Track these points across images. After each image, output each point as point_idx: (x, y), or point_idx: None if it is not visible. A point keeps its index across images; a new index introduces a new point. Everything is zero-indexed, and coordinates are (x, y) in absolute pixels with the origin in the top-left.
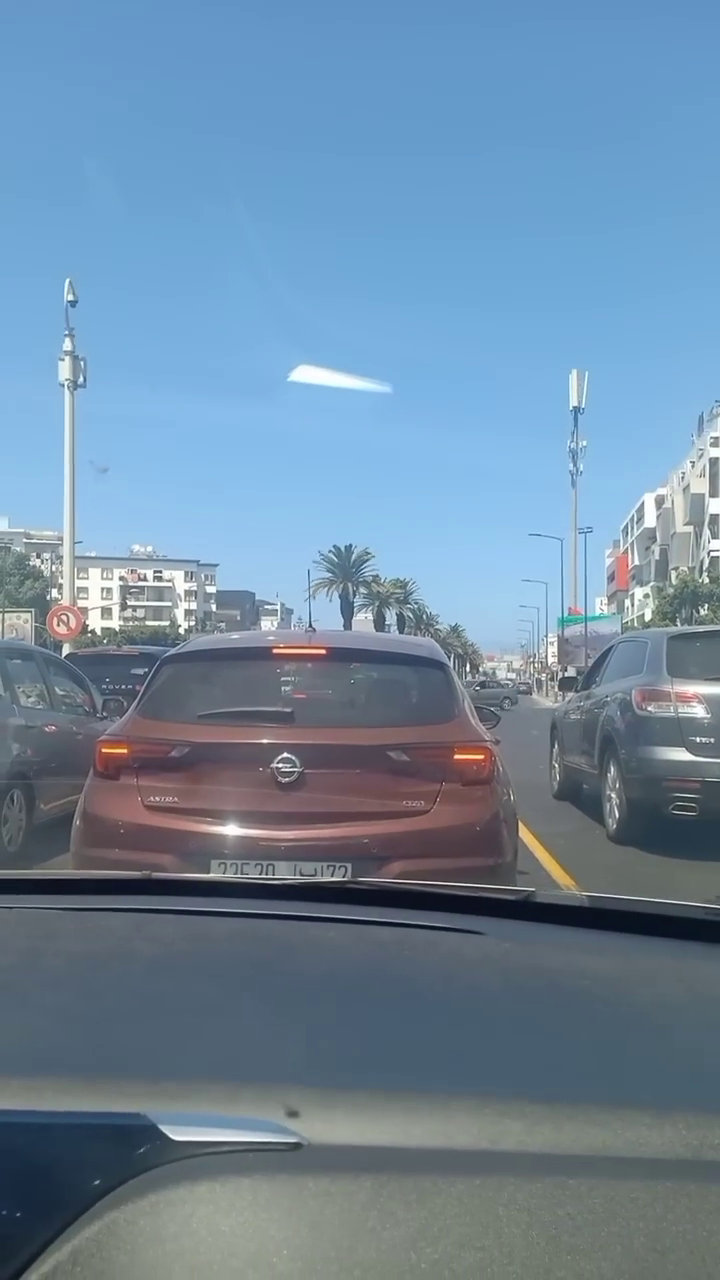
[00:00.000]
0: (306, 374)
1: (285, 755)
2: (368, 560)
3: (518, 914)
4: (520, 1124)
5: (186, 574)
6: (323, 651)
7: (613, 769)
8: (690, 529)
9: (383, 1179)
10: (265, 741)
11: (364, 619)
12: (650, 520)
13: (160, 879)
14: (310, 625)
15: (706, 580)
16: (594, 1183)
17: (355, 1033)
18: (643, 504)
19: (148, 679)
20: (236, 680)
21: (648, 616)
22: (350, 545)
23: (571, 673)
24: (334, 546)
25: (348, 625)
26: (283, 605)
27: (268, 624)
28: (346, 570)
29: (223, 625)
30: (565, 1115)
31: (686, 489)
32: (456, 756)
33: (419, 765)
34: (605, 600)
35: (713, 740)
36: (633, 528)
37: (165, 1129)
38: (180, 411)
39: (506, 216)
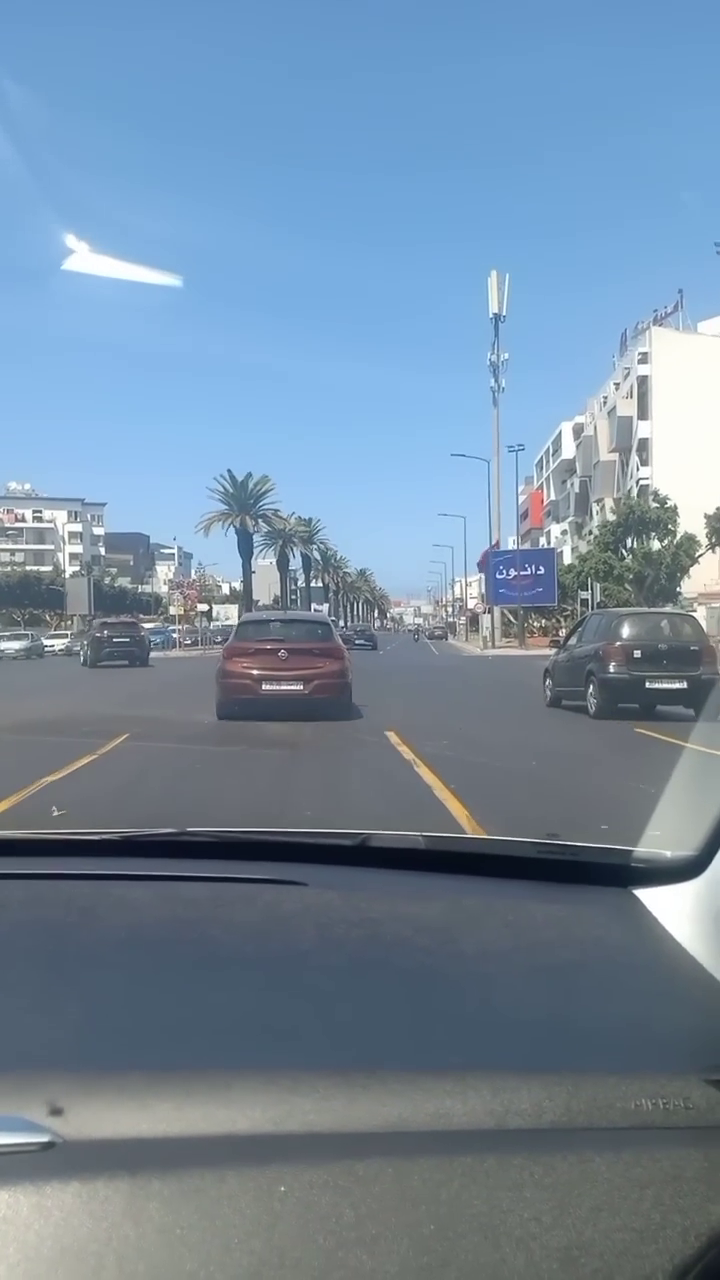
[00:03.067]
0: (85, 262)
1: (282, 650)
2: (267, 491)
3: (348, 860)
4: (309, 1101)
5: (70, 514)
6: (290, 617)
7: (592, 685)
8: (615, 456)
9: (144, 1177)
10: (274, 645)
11: (267, 564)
12: (569, 451)
13: None
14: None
15: (654, 505)
16: (384, 1164)
17: (141, 1007)
18: (559, 434)
19: (237, 625)
20: (264, 625)
21: (574, 549)
22: (248, 474)
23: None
24: (227, 473)
25: (247, 566)
26: (180, 549)
27: (163, 569)
28: (244, 502)
29: (113, 570)
30: (360, 1087)
31: (611, 412)
32: (336, 649)
33: (323, 652)
34: (519, 539)
35: (639, 667)
36: (548, 461)
37: None
38: None
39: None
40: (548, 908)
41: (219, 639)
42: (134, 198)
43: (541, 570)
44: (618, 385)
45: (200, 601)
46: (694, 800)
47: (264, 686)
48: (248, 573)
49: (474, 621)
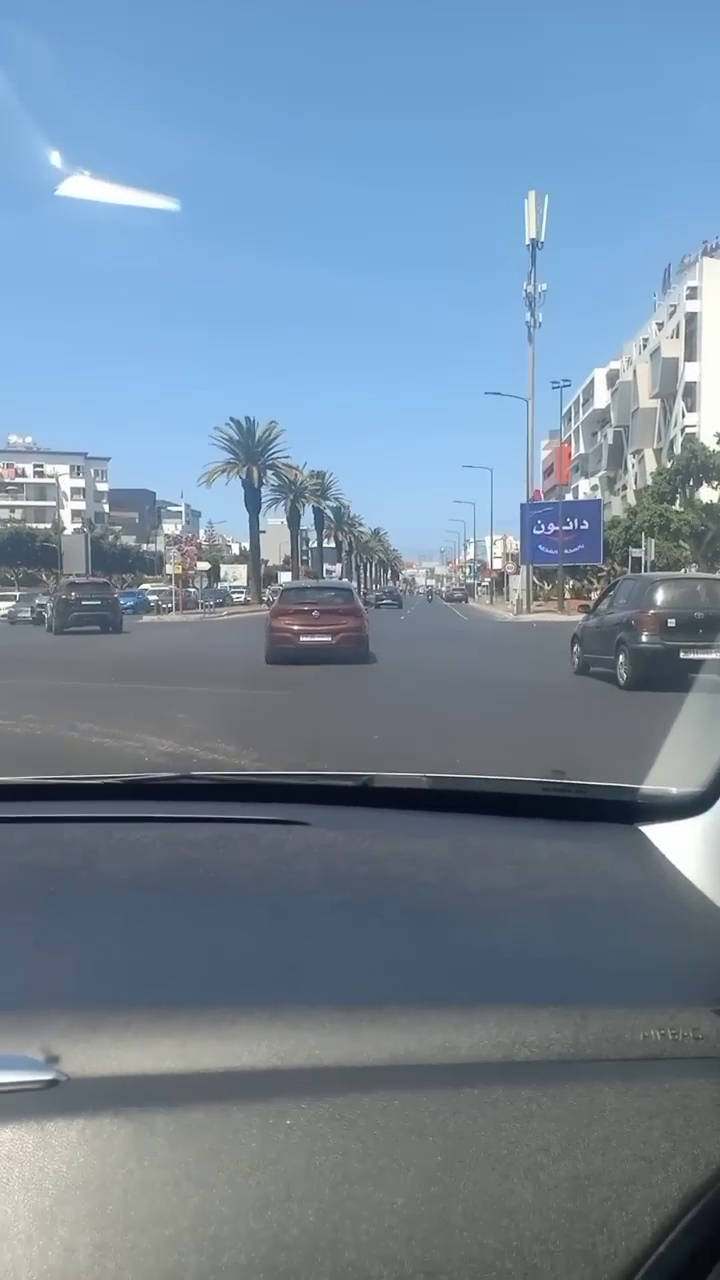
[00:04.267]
0: (80, 186)
1: (315, 610)
2: (276, 439)
3: (353, 800)
4: (314, 1036)
5: (73, 469)
6: (321, 584)
7: (623, 655)
8: (657, 403)
9: (148, 1114)
10: (309, 607)
11: (277, 524)
12: (601, 400)
13: None
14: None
15: (718, 446)
16: (390, 1096)
17: (145, 947)
18: (591, 381)
19: (281, 591)
20: (301, 591)
21: (626, 502)
22: (252, 419)
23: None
24: (232, 419)
25: (254, 521)
26: (188, 507)
27: (170, 527)
28: (251, 451)
29: (118, 528)
30: (366, 1021)
31: (655, 354)
32: (356, 609)
33: (346, 612)
34: (540, 497)
35: (674, 636)
36: (576, 412)
37: None
38: None
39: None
40: (554, 845)
41: (215, 601)
42: (138, 124)
43: (585, 525)
44: (661, 325)
45: (200, 559)
46: (700, 738)
47: (302, 638)
48: (255, 529)
49: (499, 583)
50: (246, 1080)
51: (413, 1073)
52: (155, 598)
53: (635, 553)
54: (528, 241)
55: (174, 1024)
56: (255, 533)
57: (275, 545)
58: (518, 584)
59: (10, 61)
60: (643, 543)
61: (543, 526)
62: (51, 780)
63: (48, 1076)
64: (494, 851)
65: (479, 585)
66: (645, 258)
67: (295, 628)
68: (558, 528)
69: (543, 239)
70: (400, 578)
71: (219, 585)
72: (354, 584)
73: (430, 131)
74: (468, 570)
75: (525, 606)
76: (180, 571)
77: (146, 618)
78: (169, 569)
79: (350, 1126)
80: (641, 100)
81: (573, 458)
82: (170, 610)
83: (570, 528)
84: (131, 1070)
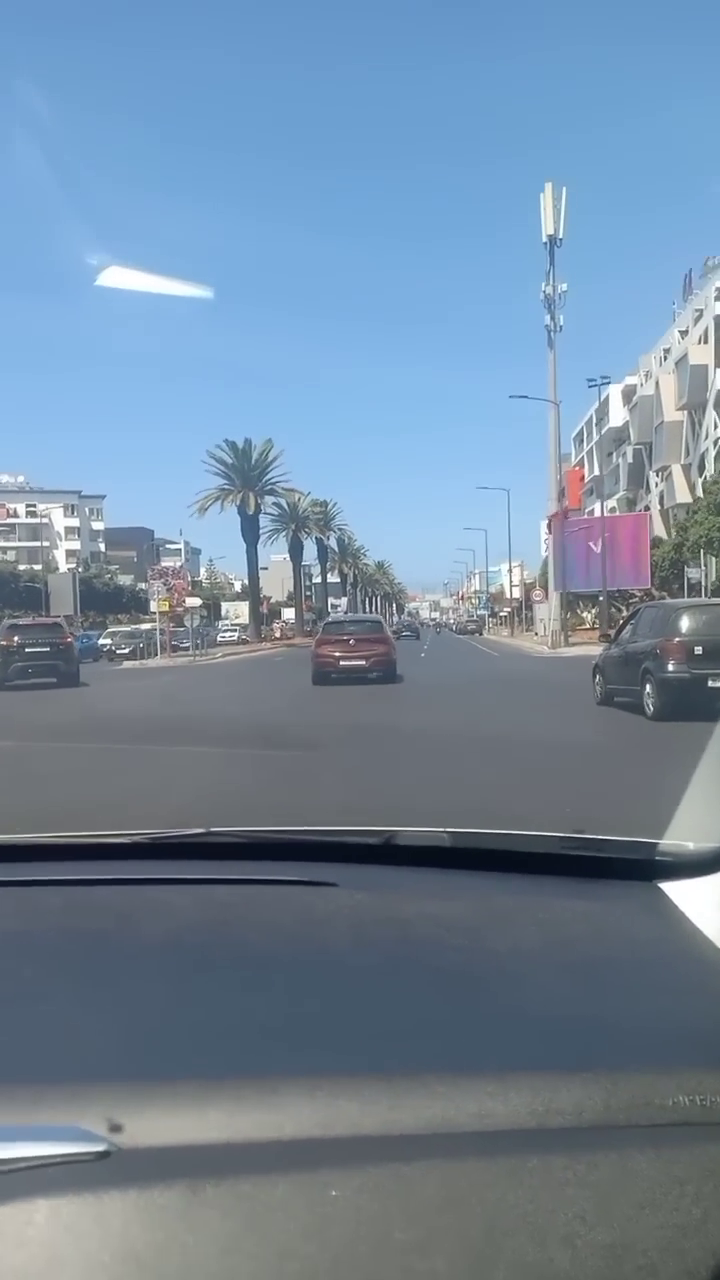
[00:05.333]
0: (117, 277)
1: (351, 640)
2: (274, 461)
3: (377, 858)
4: (354, 1104)
5: (67, 508)
6: (355, 618)
7: (649, 685)
8: (684, 415)
9: (199, 1183)
10: (347, 636)
11: (280, 559)
12: (617, 418)
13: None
14: (347, 610)
15: None
16: (429, 1166)
17: (186, 1013)
18: (606, 399)
19: (323, 625)
20: (340, 624)
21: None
22: (249, 440)
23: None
24: (226, 442)
25: (252, 553)
26: (187, 544)
27: (168, 564)
28: (247, 475)
29: (115, 567)
30: (403, 1090)
31: (681, 362)
32: (385, 638)
33: (377, 640)
34: (551, 524)
35: (701, 664)
36: (588, 434)
37: None
38: None
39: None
40: (575, 904)
41: (200, 642)
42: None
43: (632, 543)
44: (685, 332)
45: (191, 594)
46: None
47: (341, 662)
48: (253, 561)
49: (518, 612)
50: (292, 1150)
51: (450, 1141)
52: (109, 642)
53: (692, 574)
54: (545, 238)
55: (220, 1094)
56: (254, 564)
57: (278, 581)
58: (543, 613)
59: (53, 158)
60: (701, 561)
61: (578, 544)
62: (78, 840)
63: (100, 1148)
64: (518, 911)
65: (489, 617)
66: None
67: (336, 654)
68: (593, 547)
69: (562, 235)
70: (405, 611)
71: (220, 623)
72: (421, 614)
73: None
74: (476, 601)
75: (563, 638)
76: (167, 609)
77: (127, 664)
78: (154, 606)
79: (392, 1197)
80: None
81: (585, 481)
82: (154, 654)
83: (616, 548)
84: (180, 1141)
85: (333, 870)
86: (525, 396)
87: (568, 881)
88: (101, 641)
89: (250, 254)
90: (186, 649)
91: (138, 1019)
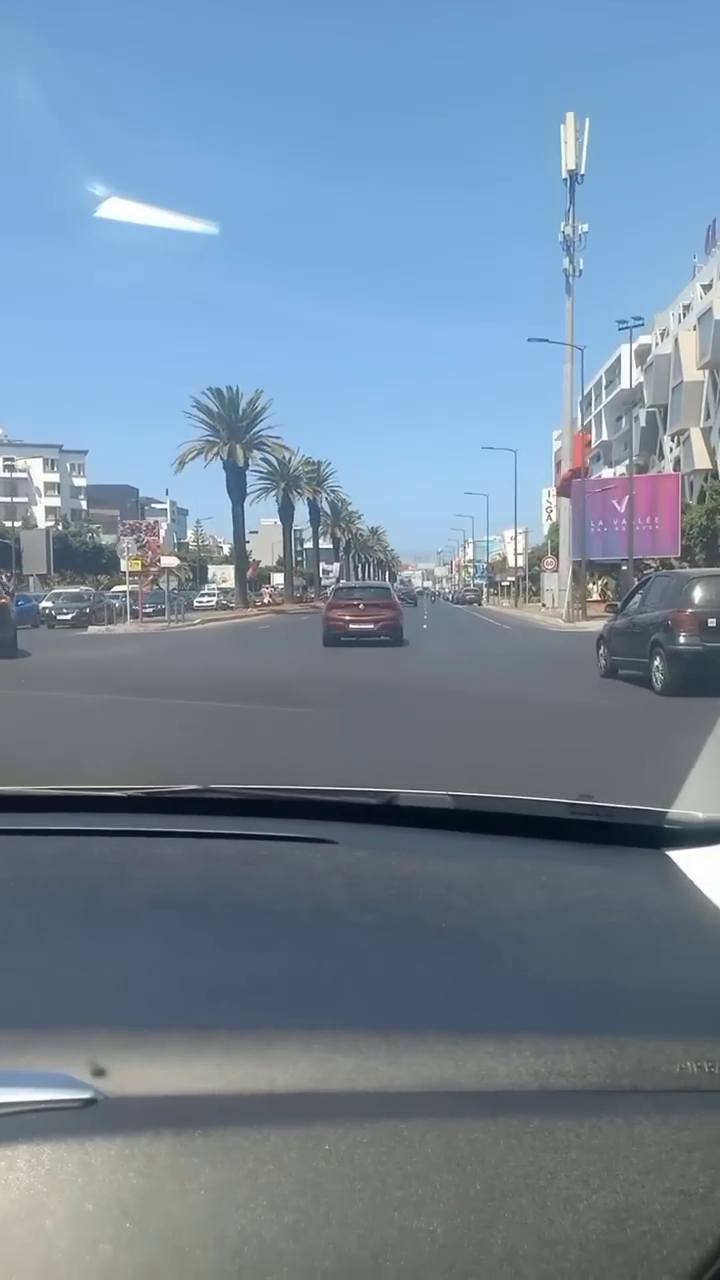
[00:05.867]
0: (118, 209)
1: (361, 604)
2: (263, 412)
3: (377, 818)
4: (351, 1060)
5: (46, 463)
6: (364, 585)
7: (659, 658)
8: (705, 374)
9: (188, 1134)
10: (356, 601)
11: (271, 524)
12: (629, 380)
13: None
14: (340, 576)
15: None
16: (429, 1124)
17: (179, 964)
18: (617, 359)
19: (333, 591)
20: (350, 590)
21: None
22: (236, 388)
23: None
24: (212, 389)
25: (239, 511)
26: (174, 505)
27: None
28: (233, 425)
29: (96, 526)
30: (401, 1047)
31: (704, 317)
32: (393, 603)
33: (385, 605)
34: (552, 492)
35: (714, 636)
36: (596, 397)
37: None
38: None
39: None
40: (581, 869)
41: (177, 606)
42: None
43: (659, 508)
44: (708, 286)
45: (166, 553)
46: None
47: (351, 625)
48: (239, 520)
49: (522, 581)
50: (284, 1103)
51: (449, 1100)
52: (50, 605)
53: None
54: (564, 174)
55: (211, 1044)
56: (240, 523)
57: (267, 545)
58: (552, 584)
59: (51, 88)
60: None
61: (599, 509)
62: (72, 791)
63: (86, 1095)
64: (522, 875)
65: (487, 586)
66: (671, 222)
67: (346, 618)
68: (617, 509)
69: (583, 170)
70: (398, 579)
71: (207, 587)
72: (414, 583)
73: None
74: (473, 570)
75: (582, 611)
76: (140, 569)
77: (93, 629)
78: (124, 565)
79: (389, 1153)
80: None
81: (592, 446)
82: (123, 619)
83: (641, 512)
84: (169, 1090)
85: (332, 828)
86: (545, 340)
87: (573, 847)
88: (44, 605)
89: (251, 198)
90: (161, 614)
91: (129, 969)
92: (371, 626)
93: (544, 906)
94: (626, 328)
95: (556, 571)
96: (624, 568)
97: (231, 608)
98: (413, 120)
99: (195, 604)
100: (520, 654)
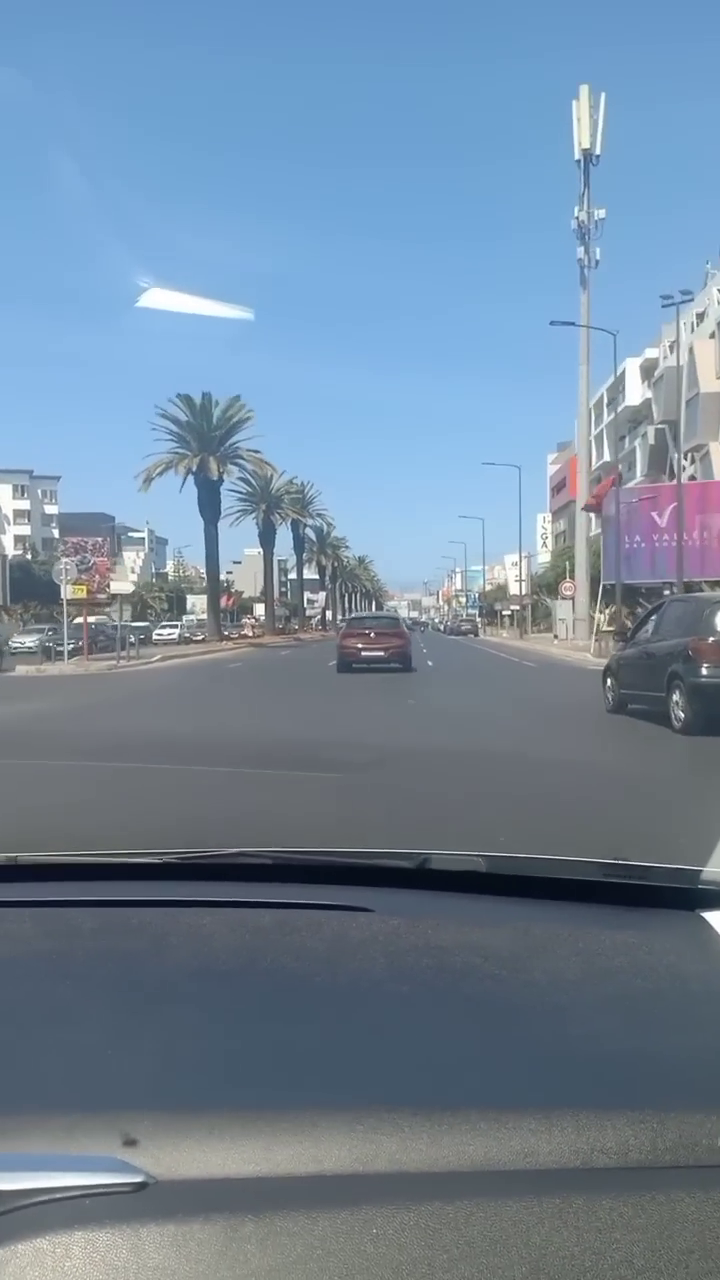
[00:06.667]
0: (158, 299)
1: (372, 633)
2: (241, 424)
3: (410, 882)
4: (394, 1140)
5: (16, 489)
6: (375, 615)
7: (678, 692)
8: None
9: (238, 1218)
10: (368, 630)
11: (256, 554)
12: (634, 396)
13: (24, 864)
14: (325, 607)
15: None
16: (475, 1205)
17: (221, 1041)
18: (622, 374)
19: (347, 621)
20: (362, 620)
21: None
22: (209, 395)
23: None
24: (181, 396)
25: (211, 531)
26: (152, 533)
27: (131, 555)
28: (206, 437)
29: (122, 567)
30: (445, 1126)
31: None
32: (402, 632)
33: (394, 634)
34: (548, 518)
35: None
36: (597, 416)
37: None
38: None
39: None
40: (616, 934)
41: (135, 639)
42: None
43: (712, 521)
44: None
45: (114, 577)
46: None
47: (363, 652)
48: (212, 541)
49: (526, 611)
50: (331, 1185)
51: (493, 1180)
52: None
53: None
54: (577, 155)
55: (258, 1125)
56: (213, 545)
57: (250, 575)
58: (567, 612)
59: (95, 180)
60: None
61: (636, 523)
62: (108, 859)
63: (137, 1179)
64: (557, 941)
65: (479, 616)
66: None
67: (359, 645)
68: (660, 521)
69: (599, 150)
70: (383, 609)
71: (185, 618)
72: (417, 615)
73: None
74: (465, 600)
75: (610, 642)
76: (84, 595)
77: (21, 669)
78: (65, 592)
79: (435, 1236)
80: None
81: (593, 468)
82: (61, 657)
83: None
84: (218, 1174)
85: (366, 895)
86: (570, 324)
87: (607, 909)
88: None
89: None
90: (122, 646)
91: (172, 1046)
92: (382, 654)
93: (580, 974)
94: (671, 304)
95: (572, 598)
96: (667, 591)
97: (202, 640)
98: (404, 175)
99: (155, 637)
100: (577, 706)
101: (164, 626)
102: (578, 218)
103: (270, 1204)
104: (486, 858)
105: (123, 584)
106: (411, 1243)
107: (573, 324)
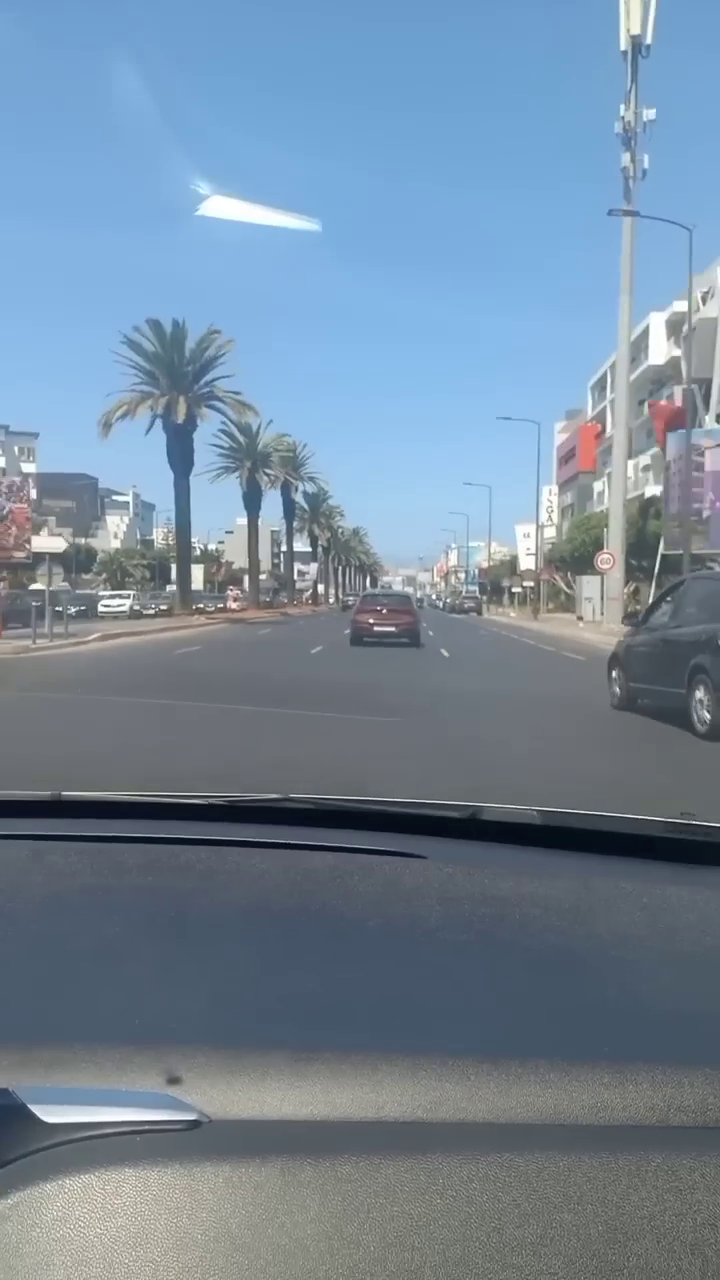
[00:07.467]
0: (220, 206)
1: (384, 609)
2: (218, 359)
3: (464, 833)
4: (460, 1089)
5: None
6: (388, 593)
7: (702, 689)
8: None
9: (296, 1162)
10: (381, 607)
11: (240, 523)
12: (658, 354)
13: (71, 800)
14: (316, 579)
15: None
16: (546, 1159)
17: (275, 981)
18: (645, 329)
19: (361, 597)
20: (375, 597)
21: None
22: (181, 322)
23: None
24: (149, 322)
25: (182, 485)
26: (138, 497)
27: (114, 520)
28: (177, 373)
29: (50, 518)
30: (513, 1076)
31: None
32: (412, 610)
33: (405, 610)
34: (554, 490)
35: None
36: (612, 380)
37: (36, 1109)
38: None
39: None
40: (685, 891)
41: (74, 609)
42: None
43: None
44: None
45: (34, 530)
46: None
47: (375, 627)
48: (183, 495)
49: (534, 588)
50: (394, 1133)
51: (565, 1133)
52: None
53: None
54: (623, 46)
55: (315, 1068)
56: (183, 502)
57: (243, 545)
58: (593, 590)
59: (156, 88)
60: None
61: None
62: (155, 798)
63: (191, 1117)
64: (621, 895)
65: (489, 593)
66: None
67: (371, 621)
68: None
69: (649, 39)
70: (379, 584)
71: (170, 590)
72: (412, 591)
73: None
74: (463, 576)
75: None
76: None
77: None
78: None
79: (505, 1189)
80: None
81: (606, 435)
82: None
83: None
84: (274, 1115)
85: (419, 842)
86: (634, 213)
87: (674, 867)
88: None
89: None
90: (52, 619)
91: (226, 985)
92: (393, 629)
93: (647, 930)
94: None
95: (614, 569)
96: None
97: (155, 614)
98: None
99: (102, 610)
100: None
101: (112, 597)
102: (623, 118)
103: (330, 1149)
104: (541, 811)
105: (51, 540)
106: (479, 1195)
107: (636, 213)
